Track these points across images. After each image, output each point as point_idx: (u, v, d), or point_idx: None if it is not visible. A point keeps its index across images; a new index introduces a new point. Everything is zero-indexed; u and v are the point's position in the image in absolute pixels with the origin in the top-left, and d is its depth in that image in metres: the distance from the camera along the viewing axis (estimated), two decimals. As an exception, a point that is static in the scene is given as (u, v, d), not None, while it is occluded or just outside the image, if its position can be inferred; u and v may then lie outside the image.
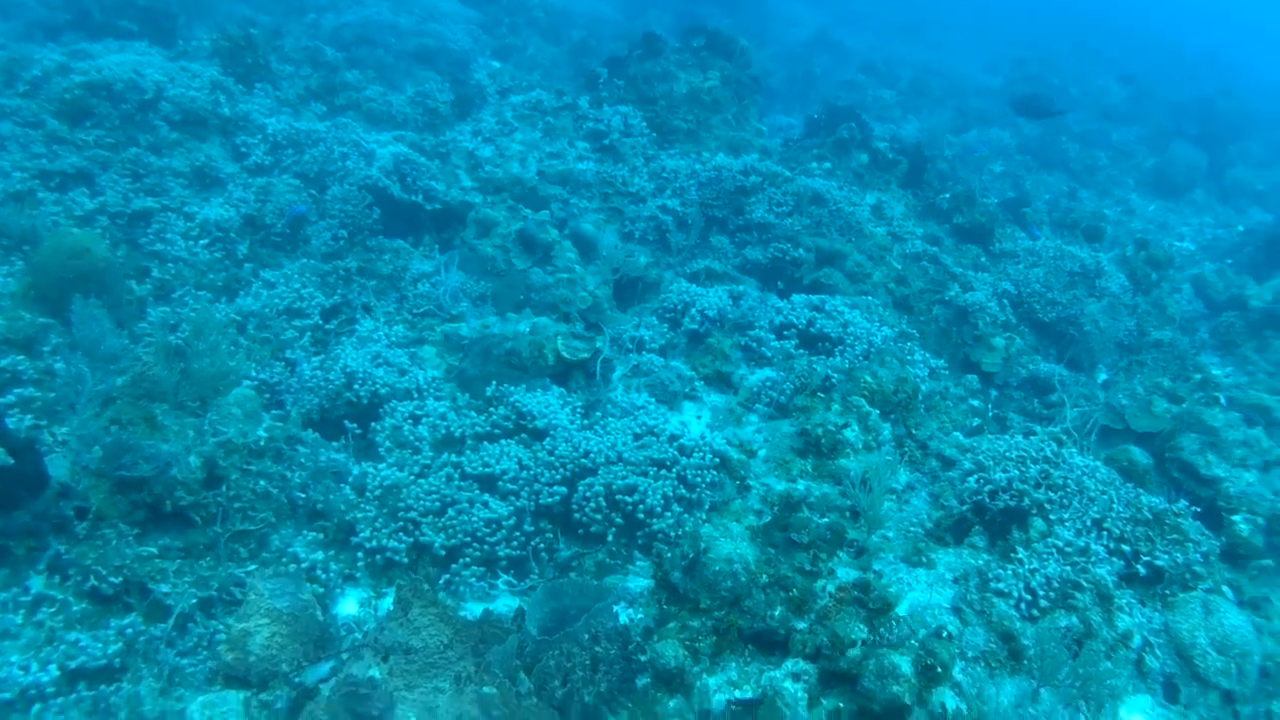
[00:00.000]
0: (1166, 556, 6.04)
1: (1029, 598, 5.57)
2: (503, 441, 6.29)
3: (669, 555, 5.38)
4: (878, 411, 6.88)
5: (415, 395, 6.81)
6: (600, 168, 10.18)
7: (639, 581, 5.80)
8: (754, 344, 7.88)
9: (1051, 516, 6.11)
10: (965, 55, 32.17)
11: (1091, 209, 13.20)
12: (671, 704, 4.97)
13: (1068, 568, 5.74)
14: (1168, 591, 6.03)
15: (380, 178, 9.05)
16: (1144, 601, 5.98)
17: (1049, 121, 21.39)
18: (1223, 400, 9.18)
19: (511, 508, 5.89)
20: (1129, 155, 19.82)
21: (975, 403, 8.85)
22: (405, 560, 5.69)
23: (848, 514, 6.21)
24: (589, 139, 10.60)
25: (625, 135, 10.62)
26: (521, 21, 18.06)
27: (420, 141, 10.47)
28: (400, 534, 5.76)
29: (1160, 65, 33.96)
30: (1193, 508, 6.50)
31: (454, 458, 6.16)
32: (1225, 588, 6.54)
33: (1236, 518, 7.06)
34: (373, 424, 6.51)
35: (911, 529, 6.39)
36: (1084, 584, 5.62)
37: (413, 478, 6.05)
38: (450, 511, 5.84)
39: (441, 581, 5.63)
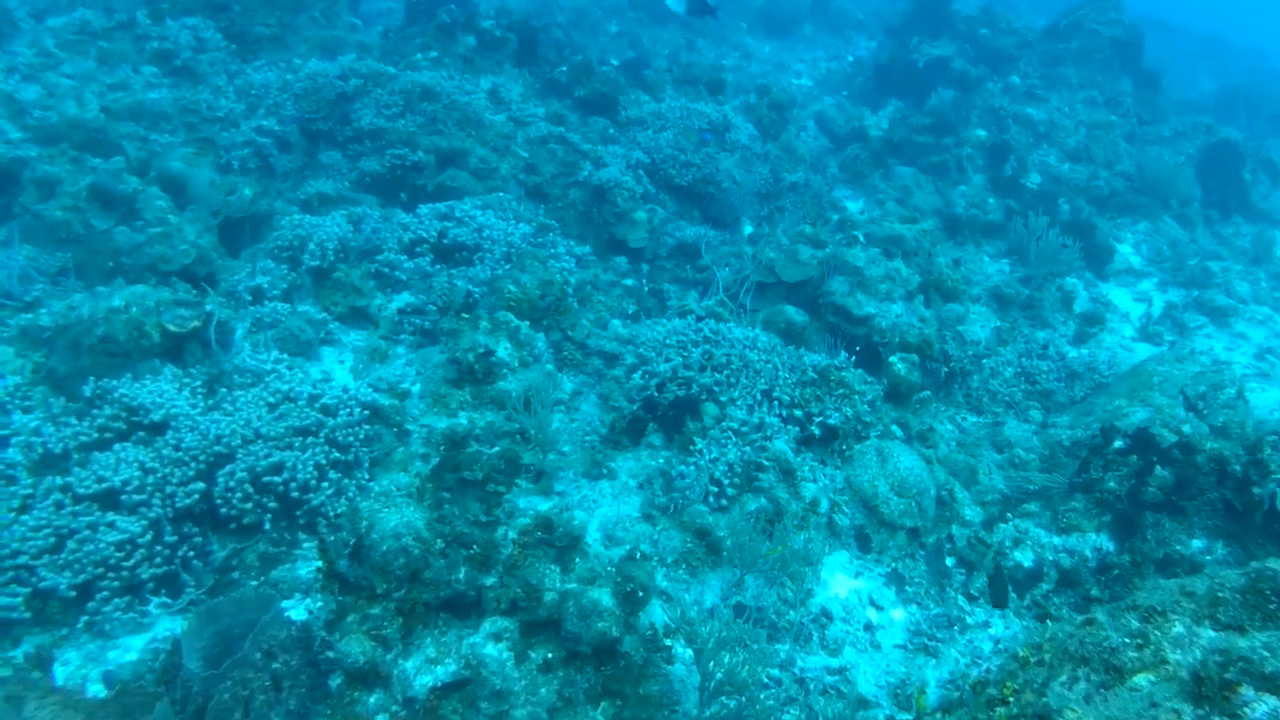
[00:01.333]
0: (837, 413, 6.18)
1: (715, 489, 5.51)
2: (117, 447, 5.38)
3: (331, 541, 4.81)
4: (527, 322, 6.51)
5: (-5, 411, 5.69)
6: (178, 94, 8.91)
7: (310, 565, 5.22)
8: (386, 269, 7.25)
9: (722, 398, 6.06)
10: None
11: (710, 61, 13.27)
12: (372, 699, 4.52)
13: (747, 448, 5.72)
14: (844, 447, 6.19)
15: (-105, 145, 7.44)
16: (824, 461, 6.11)
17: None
18: (861, 238, 9.57)
19: (144, 520, 5.08)
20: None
21: (629, 282, 8.72)
22: (28, 614, 4.77)
23: (518, 437, 5.87)
24: (157, 61, 9.23)
25: (200, 52, 9.34)
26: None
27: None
28: (12, 586, 4.81)
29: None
30: (852, 358, 6.69)
31: (60, 479, 5.20)
32: (894, 427, 6.85)
33: (893, 359, 7.37)
34: (-56, 460, 5.38)
35: (587, 438, 6.15)
36: (765, 462, 5.62)
37: (12, 515, 5.05)
38: (70, 544, 4.95)
39: (81, 624, 4.79)
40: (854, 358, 6.87)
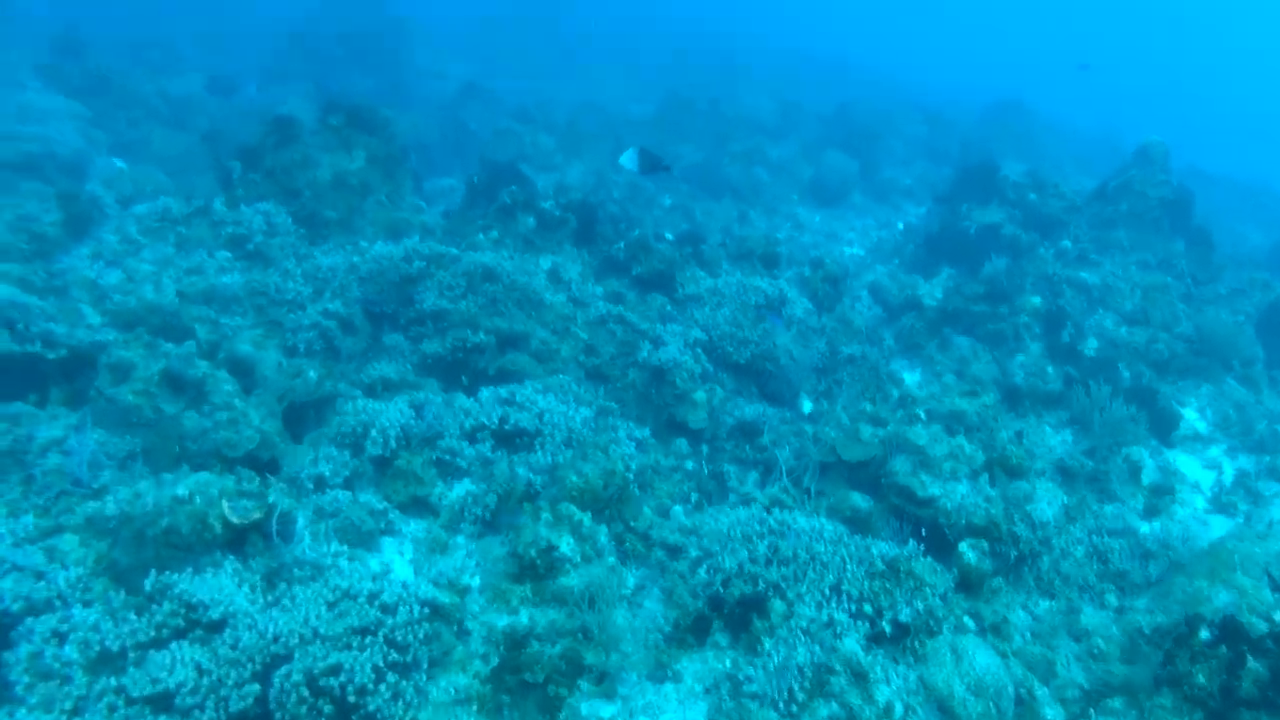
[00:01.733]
0: (908, 608, 6.00)
1: (785, 695, 5.32)
2: (174, 645, 5.33)
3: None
4: (590, 514, 6.46)
5: (58, 605, 5.69)
6: (249, 277, 9.21)
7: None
8: (447, 456, 7.28)
9: (789, 594, 5.92)
10: (617, 88, 32.92)
11: (763, 233, 13.50)
12: None
13: (816, 647, 5.55)
14: (916, 644, 5.98)
15: (-19, 331, 7.70)
16: (896, 659, 5.90)
17: (711, 146, 22.19)
18: (923, 415, 9.51)
19: (196, 725, 4.99)
20: (788, 170, 20.78)
21: (690, 465, 8.69)
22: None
23: (580, 635, 5.74)
24: (230, 246, 9.59)
25: (271, 236, 9.70)
26: (140, 114, 16.53)
27: (29, 275, 9.07)
28: (60, 793, 4.72)
29: (801, 77, 36.36)
30: (920, 545, 6.54)
31: (115, 680, 5.15)
32: (967, 619, 6.64)
33: (963, 546, 7.21)
34: (3, 654, 5.36)
35: (650, 636, 6.01)
36: (836, 666, 5.43)
37: (64, 718, 4.99)
38: (121, 751, 4.86)
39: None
40: (922, 544, 6.71)
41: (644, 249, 11.31)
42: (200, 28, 29.18)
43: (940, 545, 7.36)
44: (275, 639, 5.32)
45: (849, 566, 6.18)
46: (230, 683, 5.14)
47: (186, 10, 31.95)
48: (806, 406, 10.58)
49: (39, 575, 5.86)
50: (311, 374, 8.48)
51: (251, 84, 22.26)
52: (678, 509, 7.39)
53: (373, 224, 10.53)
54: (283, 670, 5.20)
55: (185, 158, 16.34)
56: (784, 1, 61.94)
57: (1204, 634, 6.21)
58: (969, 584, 7.06)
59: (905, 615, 5.98)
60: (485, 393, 7.84)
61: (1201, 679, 6.07)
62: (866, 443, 8.76)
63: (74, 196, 10.38)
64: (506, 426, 7.57)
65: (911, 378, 11.86)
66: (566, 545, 6.14)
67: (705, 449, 9.14)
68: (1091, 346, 12.00)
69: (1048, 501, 8.54)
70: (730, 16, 51.44)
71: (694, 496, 7.91)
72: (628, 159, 9.49)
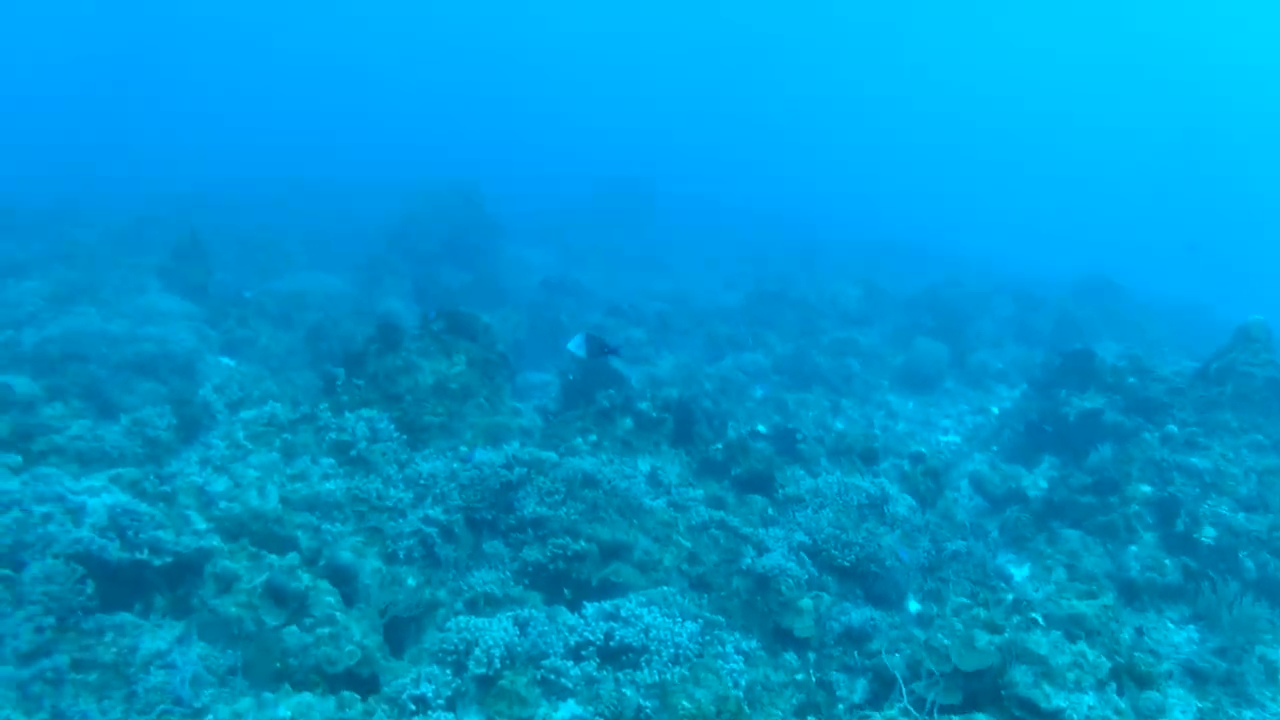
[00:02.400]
0: None
1: None
2: None
3: None
4: (702, 746, 6.14)
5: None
6: (351, 483, 9.27)
7: None
8: (552, 675, 7.04)
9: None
10: (700, 277, 33.63)
11: (861, 429, 13.36)
12: None
13: None
14: None
15: (93, 539, 7.80)
16: None
17: (797, 335, 22.32)
18: (1040, 620, 9.06)
19: None
20: (878, 357, 20.72)
21: (800, 676, 8.33)
22: None
23: None
24: (334, 452, 9.70)
25: (373, 442, 9.80)
26: (250, 312, 17.20)
27: (142, 480, 9.25)
28: None
29: (881, 260, 36.84)
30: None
31: None
32: None
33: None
34: None
35: None
36: None
37: None
38: None
39: None
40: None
41: (742, 450, 11.21)
42: (307, 229, 30.74)
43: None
44: None
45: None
46: None
47: (293, 213, 33.83)
48: (913, 607, 10.21)
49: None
50: (411, 581, 8.42)
51: (352, 281, 23.16)
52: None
53: (472, 428, 10.61)
54: None
55: (289, 355, 16.88)
56: (862, 185, 63.64)
57: None
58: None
59: None
60: (590, 608, 7.65)
61: None
62: (982, 650, 8.35)
63: (186, 401, 10.70)
64: (612, 643, 7.35)
65: (1020, 573, 11.43)
66: (679, 782, 5.80)
67: (812, 656, 8.79)
68: (1209, 535, 11.43)
69: (1181, 710, 8.03)
70: (807, 201, 52.89)
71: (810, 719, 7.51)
72: (575, 345, 9.68)
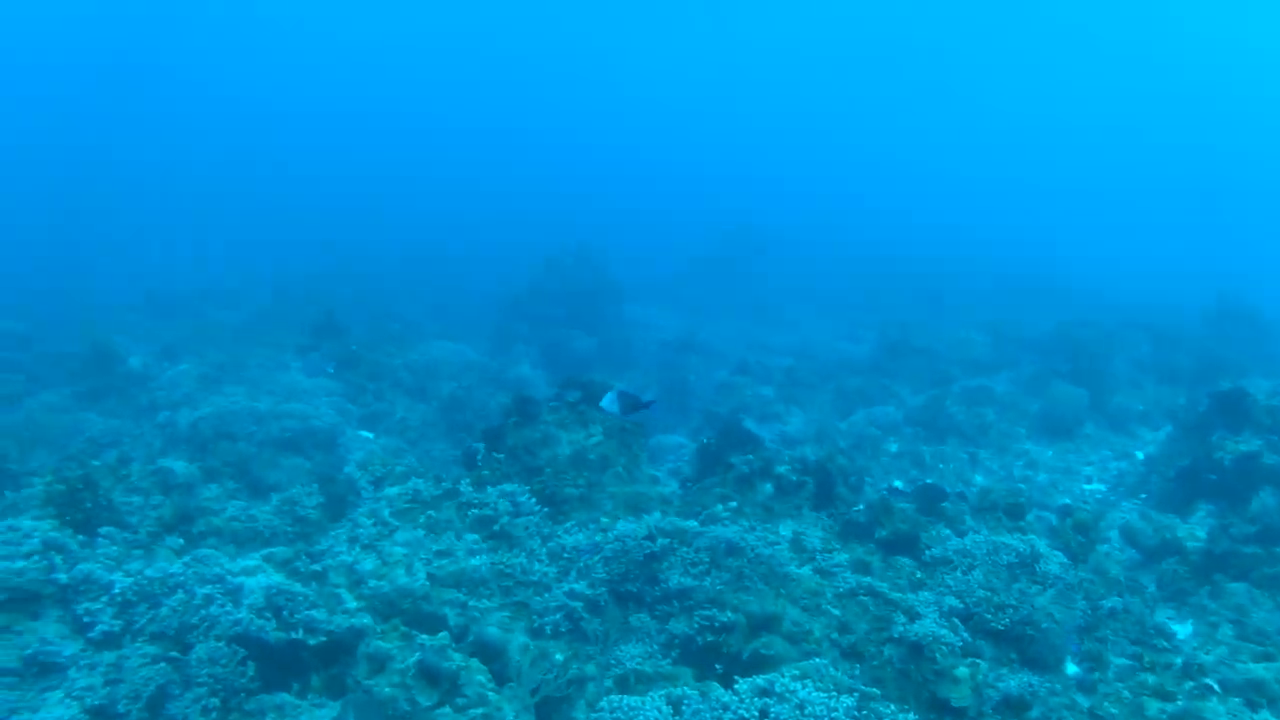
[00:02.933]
0: None
1: None
2: None
3: None
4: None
5: None
6: (495, 558, 9.32)
7: None
8: (708, 758, 6.87)
9: None
10: (821, 328, 33.31)
11: (1005, 485, 12.89)
12: None
13: None
14: None
15: (252, 620, 7.99)
16: None
17: (928, 385, 21.84)
18: (1216, 686, 8.55)
19: None
20: (1013, 405, 20.07)
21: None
22: None
23: None
24: (477, 527, 9.78)
25: (515, 516, 9.85)
26: (386, 385, 17.66)
27: (294, 559, 9.49)
28: None
29: (1002, 301, 35.87)
30: None
31: None
32: None
33: None
34: None
35: None
36: None
37: None
38: None
39: None
40: None
41: (885, 511, 10.90)
42: (431, 298, 31.60)
43: None
44: None
45: None
46: None
47: (417, 282, 34.82)
48: (1071, 670, 9.71)
49: None
50: (558, 656, 8.35)
51: (481, 350, 23.60)
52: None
53: (612, 498, 10.58)
54: None
55: (425, 426, 17.26)
56: (975, 220, 62.28)
57: None
58: None
59: None
60: (743, 684, 7.45)
61: None
62: (1155, 721, 7.93)
63: (332, 479, 10.97)
64: (766, 721, 7.13)
65: (1183, 630, 10.79)
66: None
67: (971, 728, 8.41)
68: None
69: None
70: (920, 241, 51.95)
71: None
72: (608, 402, 9.58)
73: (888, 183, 78.24)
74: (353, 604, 8.77)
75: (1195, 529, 12.85)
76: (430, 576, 8.98)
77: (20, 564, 7.96)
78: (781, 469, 11.23)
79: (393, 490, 10.41)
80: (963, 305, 34.87)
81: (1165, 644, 10.29)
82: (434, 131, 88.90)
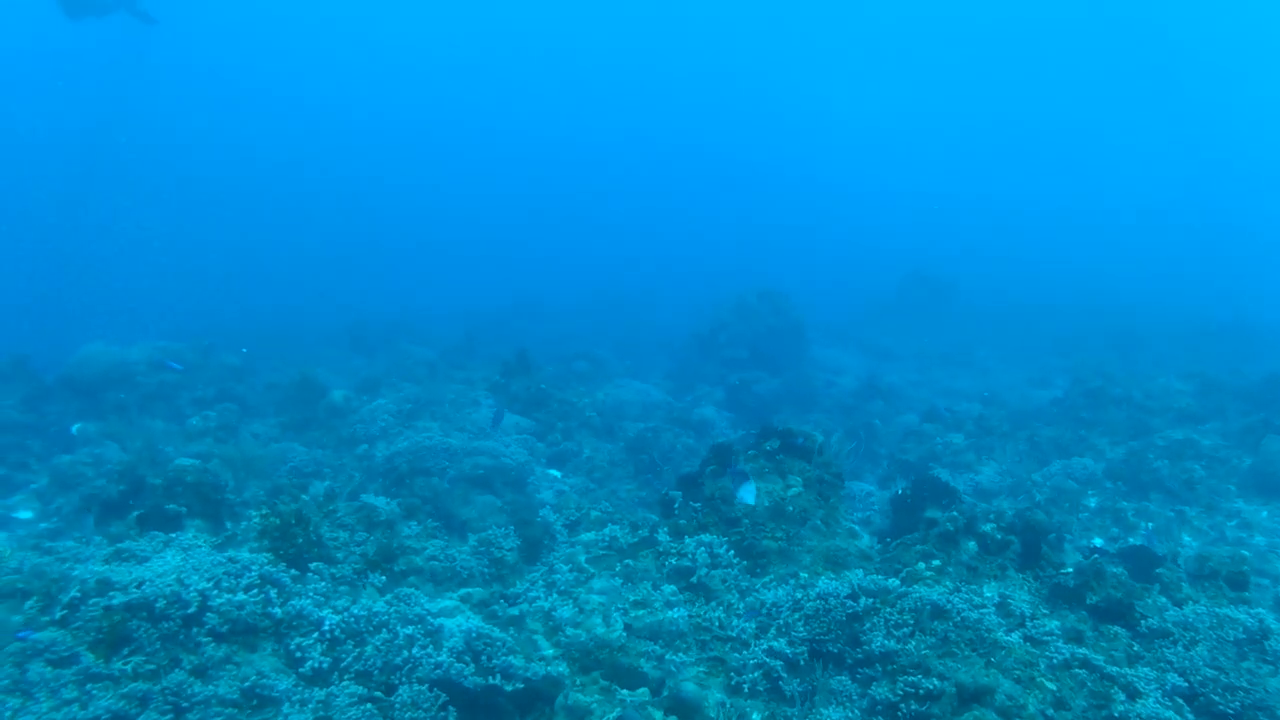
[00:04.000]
0: None
1: None
2: None
3: None
4: None
5: None
6: (692, 611, 9.11)
7: None
8: (924, 841, 6.43)
9: None
10: (1008, 373, 32.04)
11: (1228, 552, 11.83)
12: None
13: None
14: None
15: (452, 664, 8.04)
16: None
17: (1127, 435, 20.54)
18: None
19: None
20: (1222, 460, 18.59)
21: None
22: None
23: None
24: (674, 578, 9.60)
25: (713, 568, 9.63)
26: (575, 424, 17.80)
27: (490, 602, 9.54)
28: None
29: (1205, 346, 33.64)
30: None
31: None
32: None
33: None
34: None
35: None
36: None
37: None
38: None
39: None
40: None
41: (1097, 576, 10.15)
42: (618, 338, 31.92)
43: None
44: None
45: None
46: None
47: (605, 325, 35.28)
48: None
49: None
50: (756, 716, 8.07)
51: (666, 390, 23.58)
52: None
53: (810, 552, 10.21)
54: None
55: (611, 466, 17.27)
56: (1166, 263, 58.78)
57: None
58: None
59: None
60: (959, 765, 6.99)
61: None
62: None
63: (527, 522, 11.01)
64: (985, 808, 6.64)
65: None
66: None
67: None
68: None
69: None
70: (1110, 286, 49.29)
71: None
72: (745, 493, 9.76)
73: (1069, 225, 75.06)
74: (549, 651, 8.72)
75: None
76: (627, 627, 8.84)
77: (241, 597, 8.24)
78: (986, 527, 10.63)
79: (588, 535, 10.36)
80: (1160, 351, 32.89)
81: None
82: (611, 170, 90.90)
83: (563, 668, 8.43)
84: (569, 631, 8.82)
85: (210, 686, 7.50)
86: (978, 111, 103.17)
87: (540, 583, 9.77)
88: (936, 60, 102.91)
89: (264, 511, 9.91)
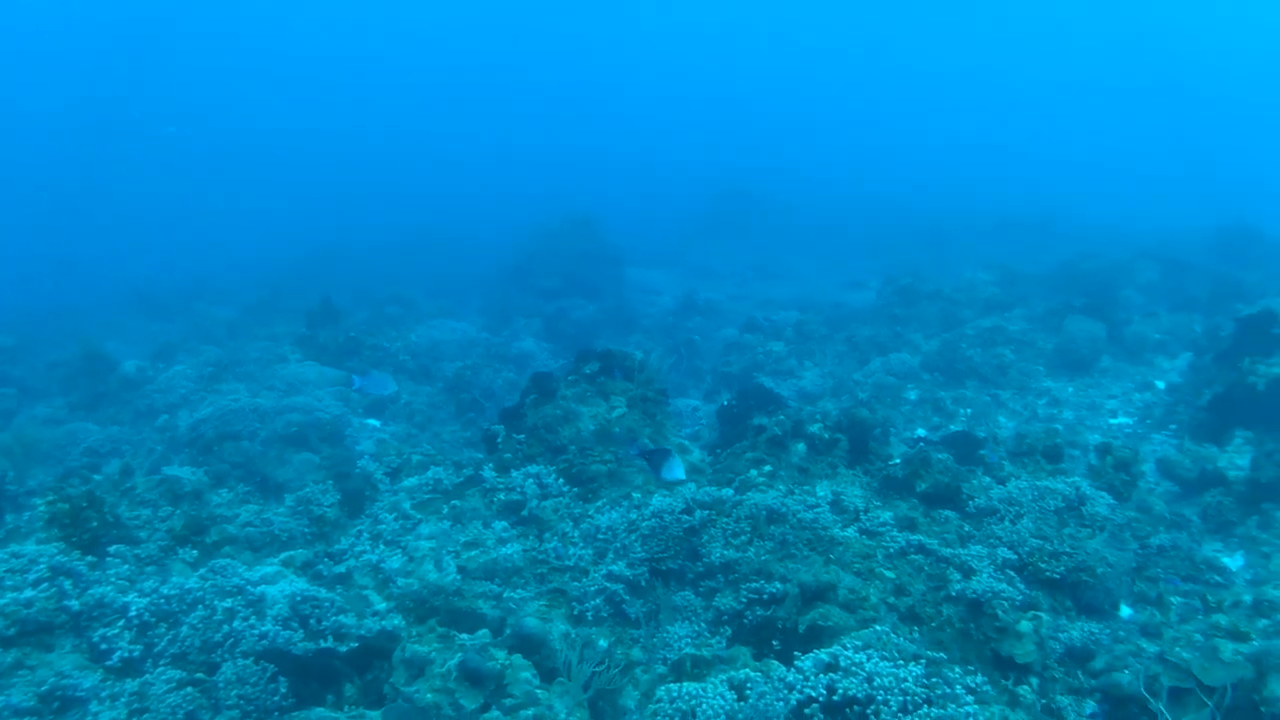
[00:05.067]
0: None
1: None
2: None
3: None
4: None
5: None
6: (526, 545, 8.86)
7: None
8: (780, 745, 6.43)
9: None
10: (823, 279, 32.77)
11: (1042, 428, 12.41)
12: None
13: None
14: None
15: (278, 632, 7.55)
16: None
17: (939, 328, 21.37)
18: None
19: None
20: (1029, 343, 19.55)
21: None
22: None
23: None
24: (505, 513, 9.31)
25: (543, 499, 9.38)
26: (389, 369, 17.10)
27: (315, 562, 9.03)
28: None
29: (1006, 239, 35.35)
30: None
31: None
32: None
33: None
34: None
35: None
36: None
37: None
38: None
39: None
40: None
41: (924, 463, 10.44)
42: (429, 277, 30.97)
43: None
44: None
45: None
46: None
47: (411, 264, 34.19)
48: (1124, 613, 9.33)
49: None
50: (602, 643, 7.93)
51: (482, 326, 23.06)
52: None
53: (641, 472, 10.09)
54: None
55: (432, 409, 16.76)
56: (965, 162, 61.59)
57: None
58: None
59: None
60: (806, 661, 7.00)
61: None
62: (1230, 663, 7.51)
63: (346, 474, 10.48)
64: (835, 697, 6.69)
65: (1233, 563, 10.43)
66: None
67: (1035, 681, 8.01)
68: None
69: None
70: (913, 186, 51.33)
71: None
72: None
73: (876, 137, 77.38)
74: (382, 605, 8.33)
75: (1235, 457, 12.44)
76: (461, 569, 8.53)
77: (28, 594, 7.49)
78: (814, 428, 10.75)
79: (411, 481, 9.93)
80: (966, 248, 34.34)
81: (1218, 579, 9.96)
82: (416, 109, 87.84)
83: (398, 620, 8.06)
84: (400, 582, 8.44)
85: (2, 695, 6.80)
86: (790, 25, 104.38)
87: (365, 535, 9.32)
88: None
89: (50, 498, 9.03)
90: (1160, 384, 17.61)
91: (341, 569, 8.82)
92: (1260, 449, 11.87)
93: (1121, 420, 16.28)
